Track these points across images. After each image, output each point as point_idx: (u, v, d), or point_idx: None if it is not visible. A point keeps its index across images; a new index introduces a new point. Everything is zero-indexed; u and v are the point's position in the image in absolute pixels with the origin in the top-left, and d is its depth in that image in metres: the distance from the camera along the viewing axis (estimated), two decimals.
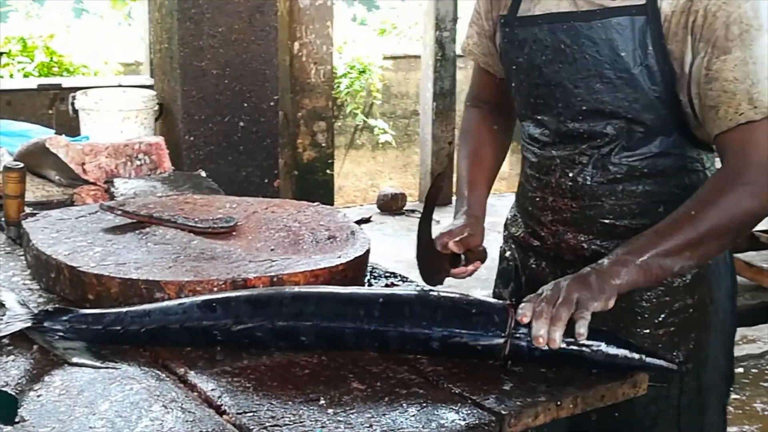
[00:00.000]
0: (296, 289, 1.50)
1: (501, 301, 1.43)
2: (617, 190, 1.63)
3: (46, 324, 1.42)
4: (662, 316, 1.64)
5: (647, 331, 1.64)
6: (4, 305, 1.48)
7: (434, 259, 1.67)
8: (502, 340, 1.36)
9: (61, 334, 1.42)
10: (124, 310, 1.45)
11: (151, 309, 1.43)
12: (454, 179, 6.83)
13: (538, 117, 1.69)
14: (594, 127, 1.61)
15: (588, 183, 1.65)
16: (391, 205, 6.82)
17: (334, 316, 1.40)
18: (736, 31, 1.46)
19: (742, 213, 1.47)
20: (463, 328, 1.37)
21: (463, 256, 1.68)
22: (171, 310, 1.42)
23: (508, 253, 1.86)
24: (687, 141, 1.61)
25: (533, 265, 1.78)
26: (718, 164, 1.67)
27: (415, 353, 1.40)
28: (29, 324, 1.41)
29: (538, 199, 1.74)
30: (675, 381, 1.65)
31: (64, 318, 1.43)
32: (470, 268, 1.69)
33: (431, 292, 1.46)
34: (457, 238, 1.65)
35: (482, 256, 1.70)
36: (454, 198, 7.01)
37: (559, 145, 1.67)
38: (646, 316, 1.64)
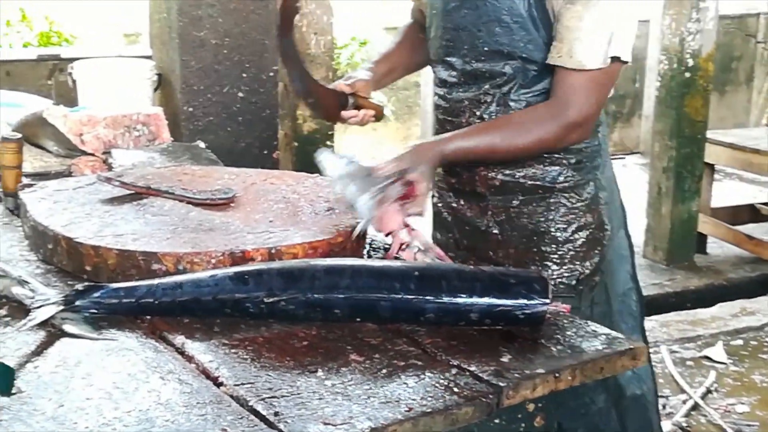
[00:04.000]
0: (329, 261, 1.49)
1: (534, 269, 1.56)
2: None
3: (78, 303, 1.40)
4: (570, 232, 1.86)
5: (554, 247, 1.86)
6: (28, 283, 1.46)
7: (326, 96, 1.91)
8: (545, 308, 1.38)
9: (94, 311, 1.40)
10: (156, 282, 1.44)
11: (183, 281, 1.43)
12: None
13: (447, 59, 1.89)
14: (494, 67, 1.82)
15: (493, 119, 1.84)
16: None
17: (369, 289, 1.40)
18: None
19: (542, 139, 1.77)
20: (505, 298, 1.39)
21: (351, 101, 1.92)
22: (203, 282, 1.41)
23: (435, 198, 2.05)
24: None
25: (453, 204, 1.99)
26: None
27: (452, 324, 1.40)
28: (62, 306, 1.39)
29: None
30: (586, 293, 1.88)
31: (96, 295, 1.41)
32: (361, 114, 1.93)
33: (465, 265, 1.50)
34: (346, 81, 1.93)
35: (377, 110, 1.97)
36: None
37: (465, 86, 1.88)
38: (553, 232, 1.86)
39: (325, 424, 1.12)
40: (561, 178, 1.86)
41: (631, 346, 1.39)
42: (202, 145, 2.56)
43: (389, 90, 7.63)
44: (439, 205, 2.04)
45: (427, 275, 1.42)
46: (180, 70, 3.54)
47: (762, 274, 4.77)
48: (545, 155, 1.85)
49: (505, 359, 1.31)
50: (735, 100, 7.94)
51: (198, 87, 3.56)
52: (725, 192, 5.97)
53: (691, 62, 4.65)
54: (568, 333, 1.41)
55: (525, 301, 1.39)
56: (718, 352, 3.75)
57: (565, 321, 1.44)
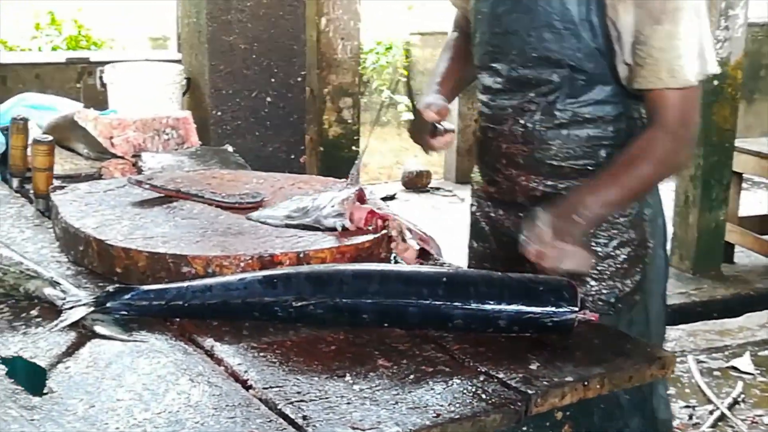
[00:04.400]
0: (357, 266, 1.50)
1: (563, 278, 1.48)
2: (563, 135, 1.80)
3: (109, 305, 1.41)
4: (611, 248, 1.82)
5: (594, 262, 1.76)
6: (59, 284, 1.48)
7: (423, 128, 1.90)
8: (574, 315, 1.38)
9: (125, 313, 1.42)
10: (186, 284, 1.45)
11: (212, 284, 1.44)
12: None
13: (493, 65, 1.86)
14: (541, 74, 1.78)
15: (537, 128, 1.82)
16: (416, 182, 6.79)
17: (397, 295, 1.40)
18: (670, 6, 1.66)
19: (669, 163, 1.74)
20: (533, 305, 1.39)
21: (440, 128, 1.91)
22: (232, 285, 1.43)
23: (474, 207, 2.03)
24: (624, 91, 1.77)
25: (491, 214, 1.96)
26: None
27: (480, 331, 1.40)
28: (93, 308, 1.40)
29: (493, 147, 1.91)
30: (625, 312, 1.83)
31: (126, 297, 1.42)
32: (446, 138, 1.92)
33: (494, 272, 1.49)
34: (433, 108, 1.87)
35: (453, 133, 1.96)
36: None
37: (509, 93, 1.84)
38: (593, 247, 1.79)
39: (353, 428, 1.13)
40: None
41: (660, 356, 1.38)
42: (230, 149, 2.58)
43: (414, 95, 7.63)
44: (477, 214, 2.00)
45: (455, 281, 1.42)
46: (209, 75, 3.56)
47: None
48: (588, 167, 1.80)
49: (533, 366, 1.31)
50: (763, 108, 7.87)
51: (227, 91, 3.59)
52: (753, 201, 5.92)
53: (719, 70, 4.61)
54: (597, 341, 1.41)
55: (553, 309, 1.38)
56: (745, 362, 3.71)
57: (594, 329, 1.44)
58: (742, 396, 3.45)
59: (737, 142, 4.79)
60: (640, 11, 1.67)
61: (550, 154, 1.82)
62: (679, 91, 1.70)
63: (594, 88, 1.76)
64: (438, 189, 6.73)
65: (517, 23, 1.79)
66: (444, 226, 5.91)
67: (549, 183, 1.83)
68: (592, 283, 1.81)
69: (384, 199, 6.50)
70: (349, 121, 5.71)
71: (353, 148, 5.72)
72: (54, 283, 1.48)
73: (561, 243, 1.58)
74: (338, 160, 5.66)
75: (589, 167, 1.80)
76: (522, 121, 1.83)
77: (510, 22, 1.80)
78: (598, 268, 1.81)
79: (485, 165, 1.96)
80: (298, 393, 1.21)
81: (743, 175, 4.95)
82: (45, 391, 1.19)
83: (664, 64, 1.67)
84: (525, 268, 1.81)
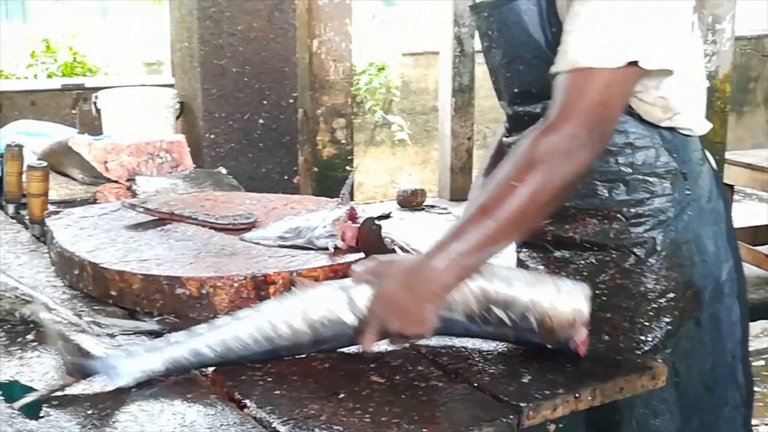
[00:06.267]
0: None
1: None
2: None
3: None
4: (620, 297, 1.57)
5: (601, 313, 1.52)
6: (54, 309, 1.48)
7: None
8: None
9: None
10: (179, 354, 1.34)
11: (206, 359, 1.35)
12: (473, 174, 6.81)
13: (500, 102, 1.73)
14: (532, 110, 1.60)
15: None
16: (411, 200, 6.80)
17: None
18: None
19: (555, 170, 1.36)
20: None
21: None
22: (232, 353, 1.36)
23: None
24: (632, 117, 1.54)
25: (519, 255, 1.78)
26: (678, 141, 1.69)
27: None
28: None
29: None
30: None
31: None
32: None
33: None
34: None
35: None
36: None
37: (513, 130, 1.70)
38: (604, 298, 1.56)
39: None
40: (612, 234, 1.59)
41: (651, 366, 1.40)
42: (223, 171, 2.60)
43: (407, 114, 7.67)
44: None
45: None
46: (201, 98, 3.59)
47: None
48: (593, 206, 1.59)
49: (525, 380, 1.32)
50: (753, 121, 7.93)
51: (219, 114, 3.62)
52: (745, 213, 5.94)
53: (707, 83, 4.65)
54: (587, 353, 1.42)
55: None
56: None
57: None
58: None
59: (728, 155, 4.82)
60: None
61: None
62: (564, 75, 1.40)
63: None
64: (433, 207, 6.74)
65: (494, 60, 1.65)
66: None
67: (556, 226, 1.62)
68: (606, 338, 1.56)
69: (379, 218, 6.52)
70: (343, 141, 5.74)
71: (347, 168, 5.74)
72: (49, 308, 1.49)
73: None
74: (333, 180, 5.68)
75: (595, 206, 1.59)
76: None
77: (490, 59, 1.67)
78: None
79: None
80: (292, 411, 1.22)
81: (734, 187, 4.97)
82: (41, 415, 1.20)
83: (561, 46, 1.43)
84: None
